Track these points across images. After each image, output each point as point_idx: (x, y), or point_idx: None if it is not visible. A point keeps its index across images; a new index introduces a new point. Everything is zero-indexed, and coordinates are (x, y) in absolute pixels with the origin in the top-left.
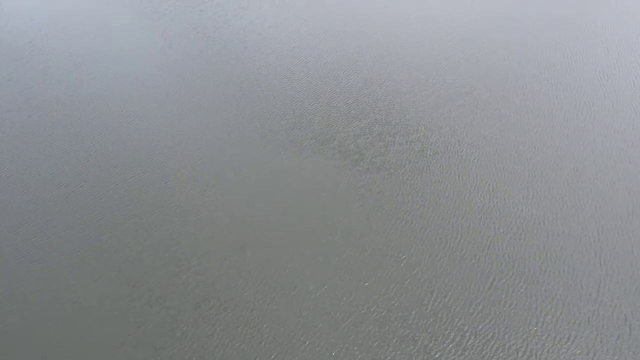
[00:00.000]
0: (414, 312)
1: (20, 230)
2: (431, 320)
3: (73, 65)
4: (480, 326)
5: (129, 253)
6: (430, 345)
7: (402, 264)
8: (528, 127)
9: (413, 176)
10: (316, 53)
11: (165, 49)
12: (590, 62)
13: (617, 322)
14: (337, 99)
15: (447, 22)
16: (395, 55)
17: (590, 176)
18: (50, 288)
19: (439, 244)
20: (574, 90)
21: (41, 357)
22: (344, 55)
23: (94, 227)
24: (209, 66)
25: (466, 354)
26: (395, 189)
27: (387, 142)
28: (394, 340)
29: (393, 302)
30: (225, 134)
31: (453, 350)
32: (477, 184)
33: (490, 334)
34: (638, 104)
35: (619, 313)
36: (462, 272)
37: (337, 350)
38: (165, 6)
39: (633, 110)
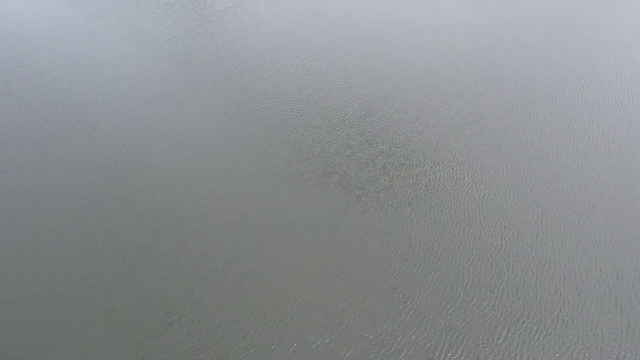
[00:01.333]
0: None
1: (9, 279)
2: None
3: (67, 91)
4: None
5: (119, 298)
6: None
7: (410, 313)
8: (539, 160)
9: (419, 214)
10: (317, 79)
11: (160, 75)
12: (604, 90)
13: None
14: (338, 129)
15: (453, 48)
16: (399, 81)
17: (605, 214)
18: (34, 337)
19: (448, 289)
20: (586, 119)
21: None
22: (346, 81)
23: (84, 270)
24: (204, 94)
25: None
26: (400, 228)
27: (392, 176)
28: None
29: (400, 357)
30: (220, 166)
31: None
32: (486, 223)
33: None
34: None
35: None
36: (473, 322)
37: None
38: (161, 30)
39: None
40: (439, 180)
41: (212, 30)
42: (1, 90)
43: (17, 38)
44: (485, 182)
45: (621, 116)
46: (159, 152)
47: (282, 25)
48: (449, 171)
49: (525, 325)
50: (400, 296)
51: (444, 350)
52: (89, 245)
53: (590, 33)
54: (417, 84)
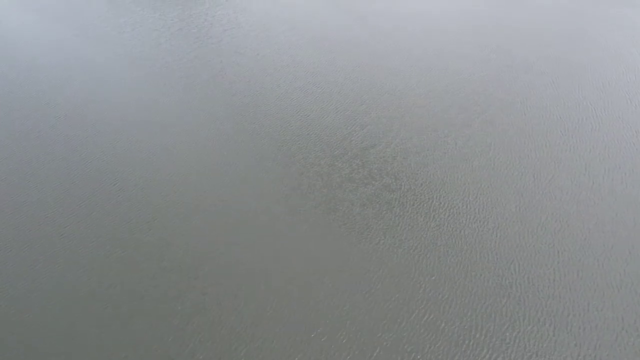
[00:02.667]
0: None
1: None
2: None
3: (55, 118)
4: None
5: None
6: None
7: None
8: (552, 194)
9: (427, 256)
10: (317, 106)
11: (154, 100)
12: (618, 117)
13: None
14: (340, 160)
15: (459, 73)
16: (404, 109)
17: (624, 254)
18: None
19: (458, 342)
20: (600, 149)
21: None
22: (348, 109)
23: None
24: (198, 122)
25: None
26: (407, 272)
27: (397, 213)
28: None
29: None
30: (216, 202)
31: None
32: (497, 266)
33: None
34: None
35: None
36: None
37: None
38: (157, 52)
39: None
40: (447, 217)
41: (209, 53)
42: None
43: (3, 62)
44: (496, 219)
45: (638, 146)
46: (150, 184)
47: (282, 49)
48: (457, 207)
49: None
50: (407, 348)
51: None
52: (76, 291)
53: (602, 54)
54: (422, 112)
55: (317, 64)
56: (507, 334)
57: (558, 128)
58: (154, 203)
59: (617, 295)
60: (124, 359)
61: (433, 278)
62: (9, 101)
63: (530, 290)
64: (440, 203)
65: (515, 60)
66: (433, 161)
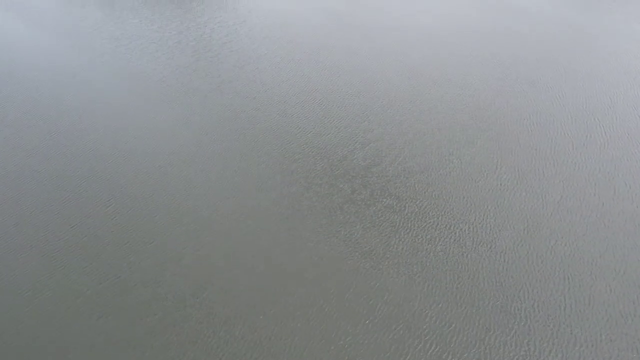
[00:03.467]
0: None
1: None
2: None
3: (47, 133)
4: None
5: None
6: None
7: None
8: (562, 218)
9: (433, 283)
10: (318, 123)
11: (151, 115)
12: (626, 133)
13: None
14: (342, 180)
15: (463, 88)
16: (406, 126)
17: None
18: None
19: None
20: (609, 168)
21: None
22: (350, 126)
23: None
24: (196, 138)
25: None
26: (411, 299)
27: (400, 236)
28: None
29: None
30: (214, 223)
31: None
32: (506, 293)
33: None
34: None
35: None
36: None
37: None
38: (154, 65)
39: None
40: (453, 240)
41: (207, 67)
42: None
43: None
44: (503, 242)
45: None
46: (145, 205)
47: (282, 63)
48: (463, 230)
49: None
50: None
51: None
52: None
53: (609, 68)
54: (425, 129)
55: (318, 79)
56: None
57: (566, 145)
58: (149, 225)
59: (631, 325)
60: None
61: (439, 305)
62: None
63: (540, 319)
64: (445, 225)
65: (519, 74)
66: (437, 181)
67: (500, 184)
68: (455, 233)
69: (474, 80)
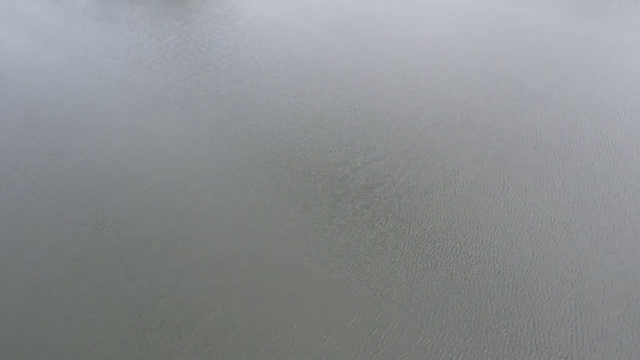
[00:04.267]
0: None
1: None
2: None
3: (41, 148)
4: None
5: None
6: None
7: None
8: (571, 242)
9: (438, 312)
10: (319, 140)
11: (146, 132)
12: (636, 150)
13: None
14: (343, 201)
15: (465, 104)
16: (410, 143)
17: None
18: None
19: None
20: (621, 191)
21: None
22: (351, 144)
23: None
24: (194, 159)
25: None
26: (416, 330)
27: (407, 263)
28: None
29: None
30: (211, 247)
31: None
32: (515, 323)
33: None
34: None
35: None
36: None
37: None
38: (151, 79)
39: None
40: (459, 266)
41: (205, 81)
42: None
43: None
44: (510, 268)
45: None
46: (141, 227)
47: (283, 77)
48: (469, 254)
49: None
50: None
51: None
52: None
53: (617, 85)
54: (429, 147)
55: (318, 94)
56: None
57: (574, 164)
58: (144, 249)
59: None
60: None
61: (445, 336)
62: None
63: (550, 350)
64: (451, 249)
65: (525, 89)
66: (442, 202)
67: (507, 205)
68: (461, 258)
69: (479, 96)
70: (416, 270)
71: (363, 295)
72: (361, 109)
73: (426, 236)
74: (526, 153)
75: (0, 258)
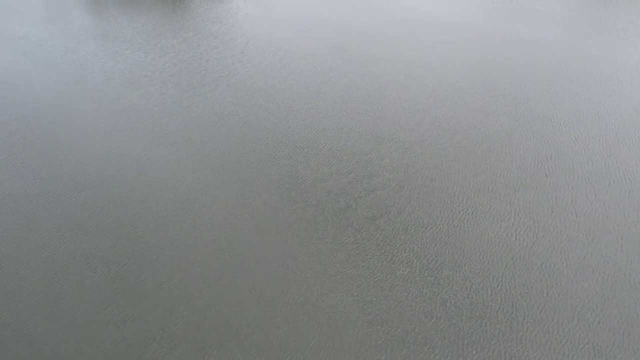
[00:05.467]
0: None
1: None
2: None
3: (31, 172)
4: None
5: None
6: None
7: None
8: (585, 278)
9: (445, 350)
10: (319, 167)
11: (143, 155)
12: None
13: None
14: (345, 234)
15: (472, 129)
16: (415, 170)
17: None
18: None
19: None
20: (638, 223)
21: None
22: (353, 172)
23: None
24: (190, 187)
25: None
26: None
27: (413, 301)
28: None
29: None
30: (211, 280)
31: None
32: None
33: None
34: None
35: None
36: None
37: None
38: (146, 101)
39: None
40: (469, 306)
41: (202, 103)
42: None
43: None
44: (523, 310)
45: None
46: (138, 260)
47: (282, 99)
48: (478, 292)
49: None
50: None
51: None
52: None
53: (628, 106)
54: (434, 174)
55: (318, 118)
56: None
57: (586, 193)
58: (143, 282)
59: None
60: None
61: None
62: None
63: None
64: (460, 287)
65: (533, 111)
66: (449, 234)
67: (518, 238)
68: (470, 296)
69: (486, 120)
70: (424, 308)
71: (370, 336)
72: (363, 133)
73: (434, 272)
74: (537, 181)
75: None
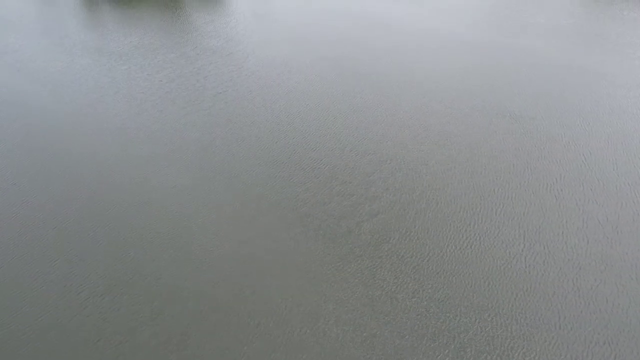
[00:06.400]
0: None
1: None
2: None
3: (20, 200)
4: None
5: None
6: None
7: None
8: (603, 316)
9: None
10: (320, 189)
11: (139, 175)
12: None
13: None
14: (345, 260)
15: (478, 149)
16: (419, 192)
17: None
18: None
19: None
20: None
21: None
22: (354, 192)
23: None
24: (188, 211)
25: None
26: None
27: (416, 347)
28: None
29: None
30: (210, 313)
31: None
32: None
33: None
34: None
35: None
36: None
37: None
38: (142, 119)
39: None
40: (485, 344)
41: (199, 121)
42: None
43: None
44: (534, 347)
45: None
46: (140, 284)
47: (282, 117)
48: (494, 332)
49: None
50: None
51: None
52: None
53: (637, 127)
54: (439, 197)
55: (318, 137)
56: None
57: (598, 219)
58: (144, 303)
59: None
60: None
61: None
62: None
63: None
64: (468, 319)
65: (540, 130)
66: (455, 263)
67: (527, 266)
68: (480, 332)
69: (491, 138)
70: (429, 339)
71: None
72: (365, 152)
73: (444, 306)
74: (546, 203)
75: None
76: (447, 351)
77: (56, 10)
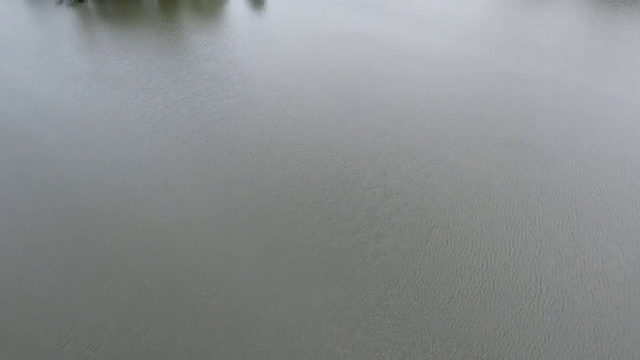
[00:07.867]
0: None
1: None
2: None
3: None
4: None
5: None
6: None
7: None
8: (614, 346)
9: None
10: (317, 223)
11: (128, 213)
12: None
13: None
14: (349, 318)
15: (484, 177)
16: (425, 230)
17: None
18: None
19: None
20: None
21: None
22: (357, 229)
23: None
24: (172, 244)
25: None
26: None
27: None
28: None
29: None
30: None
31: None
32: None
33: None
34: None
35: None
36: None
37: None
38: (137, 148)
39: None
40: None
41: (195, 150)
42: None
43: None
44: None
45: None
46: (141, 294)
47: (280, 147)
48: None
49: None
50: None
51: None
52: None
53: None
54: (448, 235)
55: (319, 168)
56: None
57: (618, 260)
58: (147, 311)
59: None
60: None
61: None
62: None
63: None
64: (474, 345)
65: (552, 160)
66: (467, 313)
67: (544, 313)
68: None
69: (501, 170)
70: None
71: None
72: (369, 185)
73: (447, 341)
74: (561, 243)
75: None
76: None
77: (51, 33)
